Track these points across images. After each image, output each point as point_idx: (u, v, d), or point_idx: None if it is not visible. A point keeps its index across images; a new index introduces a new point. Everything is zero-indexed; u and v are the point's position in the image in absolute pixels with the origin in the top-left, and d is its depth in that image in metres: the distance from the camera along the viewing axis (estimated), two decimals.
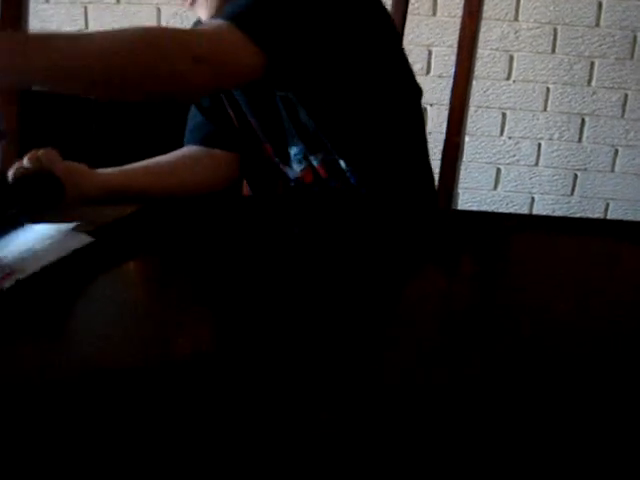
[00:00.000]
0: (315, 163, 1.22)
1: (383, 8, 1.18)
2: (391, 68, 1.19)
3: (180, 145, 1.35)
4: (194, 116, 1.36)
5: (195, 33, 1.06)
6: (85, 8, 2.60)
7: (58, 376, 0.70)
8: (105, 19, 2.60)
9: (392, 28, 1.21)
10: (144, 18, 2.59)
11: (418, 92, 1.27)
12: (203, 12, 1.14)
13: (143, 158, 1.28)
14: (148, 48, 0.89)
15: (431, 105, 2.54)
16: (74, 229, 0.96)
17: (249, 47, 0.96)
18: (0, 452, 0.58)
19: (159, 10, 2.59)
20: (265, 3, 1.02)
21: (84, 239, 0.95)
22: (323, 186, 1.24)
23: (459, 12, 1.64)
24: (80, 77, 0.87)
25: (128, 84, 0.89)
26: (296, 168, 1.25)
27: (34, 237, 0.93)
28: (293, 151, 1.23)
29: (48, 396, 0.67)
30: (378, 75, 1.15)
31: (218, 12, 1.10)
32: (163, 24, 2.59)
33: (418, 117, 1.30)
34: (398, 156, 1.23)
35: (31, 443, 0.59)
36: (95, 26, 2.61)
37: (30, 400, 0.66)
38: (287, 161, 1.25)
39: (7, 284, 0.83)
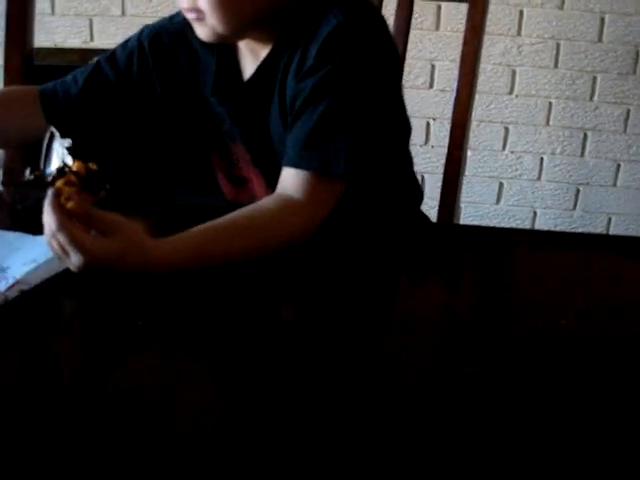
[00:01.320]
0: None
1: (395, 49, 1.19)
2: (392, 113, 1.20)
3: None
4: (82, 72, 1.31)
5: (304, 215, 1.07)
6: (90, 20, 2.61)
7: (56, 388, 0.71)
8: (110, 31, 2.61)
9: (400, 70, 1.22)
10: None
11: (408, 131, 1.28)
12: (206, 33, 1.11)
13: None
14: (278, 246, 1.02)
15: (433, 119, 2.55)
16: None
17: (333, 191, 1.08)
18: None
19: None
20: (344, 137, 1.07)
21: None
22: None
23: (462, 27, 1.65)
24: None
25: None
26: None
27: (38, 248, 0.93)
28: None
29: (46, 406, 0.67)
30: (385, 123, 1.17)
31: (220, 38, 1.11)
32: None
33: (406, 155, 1.33)
34: (383, 186, 1.23)
35: (30, 446, 0.60)
36: (100, 38, 2.62)
37: (28, 409, 0.66)
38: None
39: (12, 295, 0.83)
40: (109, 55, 1.32)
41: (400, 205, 1.28)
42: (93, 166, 0.91)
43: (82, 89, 1.28)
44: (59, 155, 0.91)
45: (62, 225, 0.84)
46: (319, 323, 0.89)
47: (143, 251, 0.91)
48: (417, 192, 1.37)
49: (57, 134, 0.94)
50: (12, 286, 0.85)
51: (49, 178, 0.89)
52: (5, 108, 1.28)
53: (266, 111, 1.17)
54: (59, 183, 0.88)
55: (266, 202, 1.09)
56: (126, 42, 1.33)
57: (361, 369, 0.77)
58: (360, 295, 0.95)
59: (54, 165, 0.91)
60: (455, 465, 0.62)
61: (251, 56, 1.19)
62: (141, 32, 1.31)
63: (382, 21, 1.15)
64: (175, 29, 1.25)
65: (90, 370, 0.75)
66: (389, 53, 1.15)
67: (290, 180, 1.08)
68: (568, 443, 0.66)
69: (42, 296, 0.88)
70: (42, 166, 0.94)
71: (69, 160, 0.90)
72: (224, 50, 1.20)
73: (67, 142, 0.92)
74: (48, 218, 0.86)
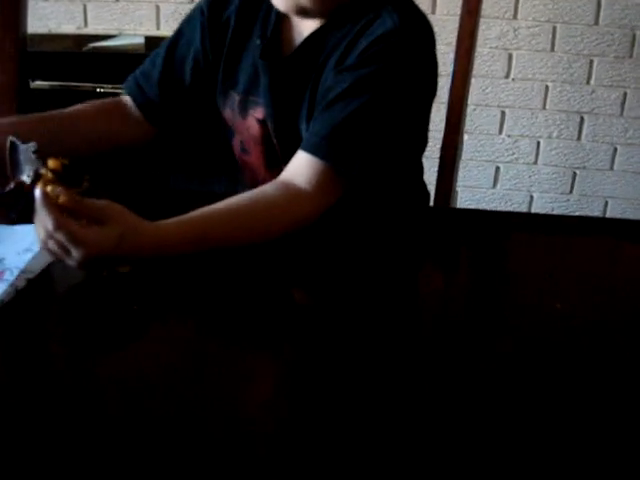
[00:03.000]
0: None
1: (436, 65, 1.19)
2: (417, 127, 1.22)
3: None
4: (152, 65, 1.32)
5: (312, 205, 1.08)
6: (84, 6, 2.60)
7: (56, 374, 0.71)
8: (104, 17, 2.60)
9: (435, 86, 1.22)
10: (143, 16, 2.59)
11: (424, 144, 1.29)
12: (288, 3, 1.11)
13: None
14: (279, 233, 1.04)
15: None
16: None
17: (340, 188, 1.09)
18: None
19: (158, 8, 2.59)
20: (365, 142, 1.09)
21: None
22: None
23: (458, 10, 1.64)
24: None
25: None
26: None
27: (27, 238, 0.93)
28: None
29: (52, 396, 0.67)
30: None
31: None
32: (162, 22, 2.59)
33: (418, 165, 1.34)
34: (393, 183, 1.24)
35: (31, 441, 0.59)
36: (94, 24, 2.61)
37: (33, 399, 0.66)
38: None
39: (21, 285, 0.84)
40: (175, 32, 1.32)
41: (405, 205, 1.28)
42: (65, 161, 0.91)
43: (162, 73, 1.29)
44: (28, 160, 0.92)
45: (60, 224, 0.84)
46: (329, 307, 0.89)
47: (139, 234, 0.92)
48: (424, 196, 1.38)
49: (18, 142, 0.94)
50: (17, 276, 0.85)
51: (28, 182, 0.90)
52: (105, 116, 1.29)
53: (302, 86, 1.17)
54: (41, 185, 0.88)
55: (270, 188, 1.09)
56: (188, 16, 1.32)
57: (366, 353, 0.77)
58: (367, 280, 0.95)
59: (27, 170, 0.91)
60: (455, 460, 0.62)
61: (295, 31, 1.19)
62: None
63: (432, 33, 1.16)
64: None
65: (89, 356, 0.75)
66: (431, 69, 1.16)
67: (303, 166, 1.08)
68: (565, 426, 0.66)
69: (47, 283, 0.88)
70: (14, 175, 0.94)
71: (39, 163, 0.90)
72: (276, 17, 1.20)
73: (32, 146, 0.92)
74: (44, 219, 0.85)
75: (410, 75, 1.11)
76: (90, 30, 2.62)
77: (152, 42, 2.60)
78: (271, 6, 1.16)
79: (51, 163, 0.90)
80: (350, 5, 1.13)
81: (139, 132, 1.31)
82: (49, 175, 0.89)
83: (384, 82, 1.09)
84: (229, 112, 1.27)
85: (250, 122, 1.24)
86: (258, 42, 1.20)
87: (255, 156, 1.27)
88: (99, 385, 0.69)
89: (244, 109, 1.24)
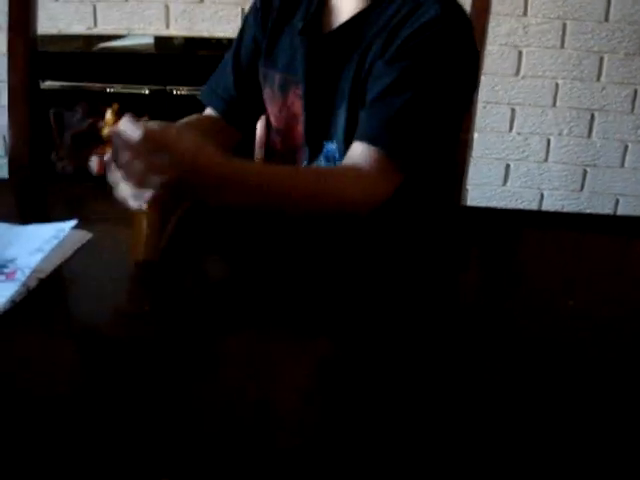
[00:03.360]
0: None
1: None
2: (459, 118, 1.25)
3: None
4: (223, 71, 1.34)
5: (365, 185, 1.09)
6: (94, 6, 2.61)
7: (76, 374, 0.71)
8: (114, 17, 2.61)
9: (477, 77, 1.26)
10: (152, 15, 2.60)
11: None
12: None
13: None
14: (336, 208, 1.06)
15: None
16: (75, 227, 0.97)
17: (399, 177, 1.11)
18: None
19: (167, 7, 2.60)
20: (419, 132, 1.11)
21: (85, 235, 0.97)
22: None
23: (467, 8, 1.64)
24: (268, 208, 1.01)
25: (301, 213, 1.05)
26: (325, 164, 1.25)
27: (37, 238, 0.93)
28: (329, 147, 1.23)
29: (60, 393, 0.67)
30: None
31: None
32: (172, 21, 2.59)
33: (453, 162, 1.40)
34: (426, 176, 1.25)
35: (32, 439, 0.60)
36: (104, 24, 2.61)
37: (43, 399, 0.66)
38: (315, 155, 1.25)
39: (32, 284, 0.84)
40: (238, 34, 1.36)
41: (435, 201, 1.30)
42: (116, 105, 0.92)
43: (235, 74, 1.32)
44: (76, 122, 0.92)
45: (144, 137, 0.84)
46: (322, 303, 0.89)
47: (210, 157, 0.93)
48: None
49: (59, 111, 0.94)
50: (29, 276, 0.85)
51: (104, 130, 0.90)
52: (211, 131, 1.29)
53: (340, 65, 1.18)
54: (106, 128, 0.89)
55: (336, 167, 1.11)
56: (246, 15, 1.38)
57: (377, 349, 0.77)
58: (372, 276, 0.95)
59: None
60: (459, 459, 0.62)
61: (335, 14, 1.21)
62: None
63: (471, 23, 1.18)
64: None
65: (101, 355, 0.75)
66: (473, 58, 1.18)
67: (363, 155, 1.09)
68: (576, 422, 0.66)
69: (59, 282, 0.88)
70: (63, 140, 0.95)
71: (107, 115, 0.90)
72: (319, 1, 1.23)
73: (78, 111, 0.93)
74: (122, 155, 0.86)
75: (455, 63, 1.13)
76: (100, 30, 2.63)
77: (161, 42, 2.62)
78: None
79: (110, 112, 0.91)
80: None
81: (231, 140, 1.33)
82: (110, 119, 0.90)
83: (432, 71, 1.10)
84: (269, 91, 1.29)
85: (292, 99, 1.26)
86: (300, 24, 1.23)
87: (298, 133, 1.27)
88: (109, 385, 0.69)
89: (285, 88, 1.26)
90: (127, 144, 0.85)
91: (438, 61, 1.10)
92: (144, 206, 0.90)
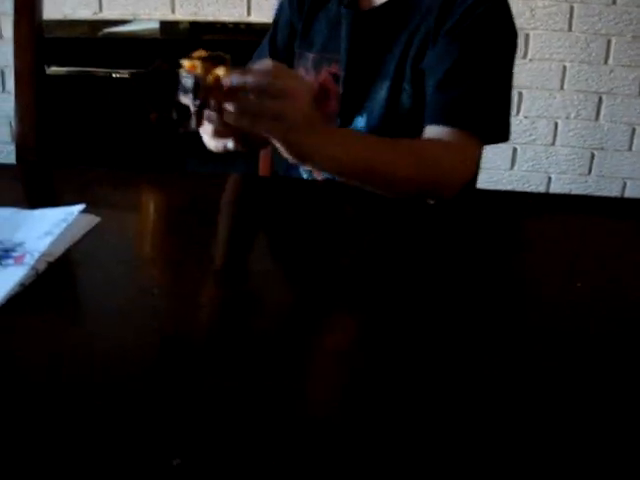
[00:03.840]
0: None
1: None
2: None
3: None
4: (260, 56, 1.35)
5: (458, 161, 1.12)
6: None
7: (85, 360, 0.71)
8: (119, 2, 2.60)
9: None
10: (158, 1, 2.59)
11: None
12: None
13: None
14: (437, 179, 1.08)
15: None
16: (83, 211, 0.97)
17: (478, 151, 1.17)
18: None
19: None
20: (496, 105, 1.16)
21: (93, 219, 0.97)
22: None
23: None
24: (367, 177, 1.02)
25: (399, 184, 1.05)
26: None
27: (45, 222, 0.94)
28: (358, 122, 1.23)
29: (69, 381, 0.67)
30: None
31: None
32: (177, 6, 2.58)
33: None
34: None
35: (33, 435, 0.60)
36: (109, 9, 2.61)
37: (51, 383, 0.67)
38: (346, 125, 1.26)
39: (41, 268, 0.84)
40: (273, 20, 1.39)
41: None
42: (203, 52, 0.91)
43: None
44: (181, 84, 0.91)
45: (275, 72, 0.88)
46: (319, 295, 0.89)
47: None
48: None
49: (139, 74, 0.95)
50: (38, 259, 0.85)
51: (191, 92, 0.89)
52: None
53: (386, 41, 1.20)
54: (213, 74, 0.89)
55: (426, 139, 1.11)
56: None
57: (381, 338, 0.77)
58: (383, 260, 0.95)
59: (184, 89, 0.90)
60: (459, 460, 0.62)
61: None
62: None
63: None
64: None
65: (110, 340, 0.76)
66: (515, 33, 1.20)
67: (444, 134, 1.10)
68: (585, 410, 0.66)
69: (67, 266, 0.89)
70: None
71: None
72: None
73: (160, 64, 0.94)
74: (254, 84, 0.88)
75: (507, 37, 1.17)
76: (105, 15, 2.62)
77: (167, 27, 2.61)
78: None
79: (199, 58, 0.91)
80: None
81: None
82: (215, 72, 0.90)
83: (490, 47, 1.13)
84: (301, 70, 1.30)
85: (324, 75, 1.27)
86: (335, 6, 1.26)
87: (329, 107, 1.28)
88: (118, 369, 0.69)
89: (318, 66, 1.28)
90: (260, 71, 0.89)
91: (494, 36, 1.14)
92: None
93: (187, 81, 0.89)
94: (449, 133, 1.10)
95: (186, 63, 0.90)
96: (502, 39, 1.16)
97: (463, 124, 1.10)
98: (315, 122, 0.94)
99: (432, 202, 1.10)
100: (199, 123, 0.91)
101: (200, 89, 0.88)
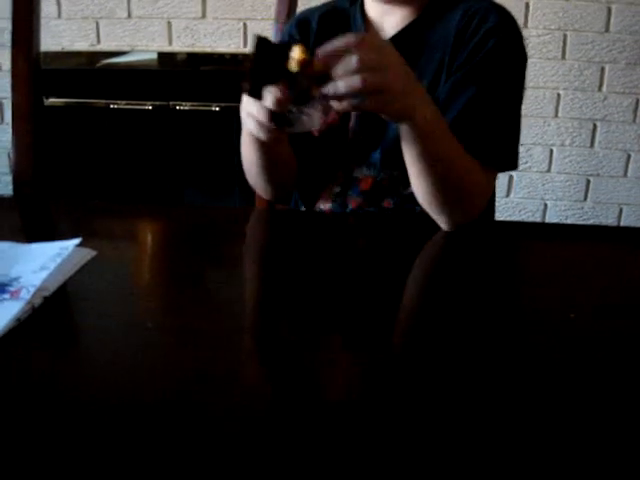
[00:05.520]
0: (382, 175, 1.25)
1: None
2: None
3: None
4: None
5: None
6: (97, 23, 2.63)
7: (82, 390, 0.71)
8: (117, 33, 2.62)
9: None
10: (155, 32, 2.61)
11: None
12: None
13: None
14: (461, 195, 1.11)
15: None
16: (79, 245, 0.97)
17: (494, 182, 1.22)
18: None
19: (170, 24, 2.61)
20: (508, 136, 1.18)
21: (89, 253, 0.98)
22: (377, 195, 1.26)
23: None
24: (440, 177, 1.07)
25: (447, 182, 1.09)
26: (365, 172, 1.26)
27: (41, 256, 0.94)
28: (374, 157, 1.24)
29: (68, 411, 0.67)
30: None
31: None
32: (174, 37, 2.61)
33: None
34: None
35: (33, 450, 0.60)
36: (107, 40, 2.63)
37: (47, 417, 0.66)
38: (362, 161, 1.26)
39: (37, 302, 0.84)
40: None
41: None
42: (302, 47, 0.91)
43: None
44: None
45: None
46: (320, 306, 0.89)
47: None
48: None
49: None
50: (34, 294, 0.86)
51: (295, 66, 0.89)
52: None
53: None
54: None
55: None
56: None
57: (370, 358, 0.77)
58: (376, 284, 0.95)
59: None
60: (459, 462, 0.62)
61: (379, 29, 1.26)
62: (290, 25, 1.38)
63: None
64: (321, 12, 1.33)
65: (106, 374, 0.76)
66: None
67: None
68: (575, 433, 0.66)
69: (63, 300, 0.89)
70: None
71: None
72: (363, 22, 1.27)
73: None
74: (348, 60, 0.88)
75: (519, 69, 1.20)
76: (103, 47, 2.64)
77: (165, 58, 2.63)
78: (352, 17, 1.26)
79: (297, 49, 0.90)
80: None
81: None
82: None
83: (504, 79, 1.16)
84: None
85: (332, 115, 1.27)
86: None
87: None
88: (114, 402, 0.69)
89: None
90: (355, 41, 0.89)
91: (506, 69, 1.17)
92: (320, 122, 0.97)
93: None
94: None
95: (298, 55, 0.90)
96: (514, 70, 1.18)
97: (482, 158, 1.12)
98: (411, 82, 0.97)
99: (447, 228, 1.11)
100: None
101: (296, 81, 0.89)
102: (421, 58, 1.20)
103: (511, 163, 1.18)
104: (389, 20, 1.24)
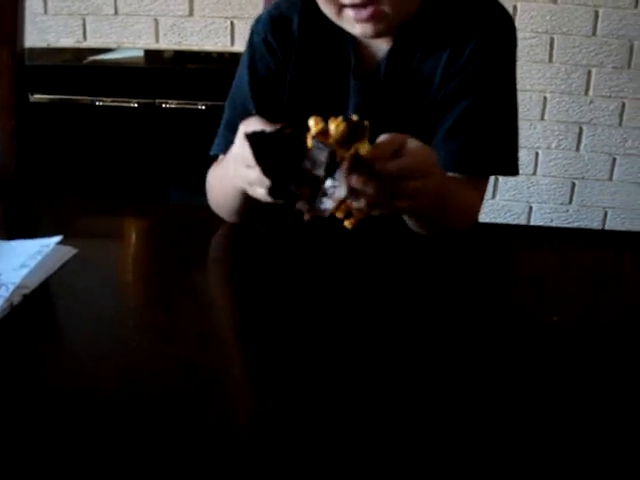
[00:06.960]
0: None
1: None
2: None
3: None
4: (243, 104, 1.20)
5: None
6: (83, 19, 2.61)
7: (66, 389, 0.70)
8: (103, 30, 2.61)
9: None
10: (142, 29, 2.60)
11: None
12: (371, 29, 1.08)
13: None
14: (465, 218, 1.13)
15: None
16: (60, 242, 0.96)
17: (484, 191, 1.19)
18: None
19: (157, 21, 2.60)
20: (505, 144, 1.17)
21: (69, 251, 0.97)
22: None
23: None
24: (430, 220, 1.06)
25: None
26: None
27: (22, 254, 0.93)
28: None
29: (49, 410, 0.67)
30: None
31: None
32: (161, 35, 2.59)
33: None
34: None
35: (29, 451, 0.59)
36: (93, 37, 2.61)
37: (30, 416, 0.66)
38: None
39: (16, 300, 0.84)
40: (247, 72, 1.21)
41: None
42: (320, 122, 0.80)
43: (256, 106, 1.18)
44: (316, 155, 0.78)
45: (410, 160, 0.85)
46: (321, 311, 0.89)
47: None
48: None
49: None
50: (13, 292, 0.85)
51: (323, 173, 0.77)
52: None
53: (396, 107, 1.17)
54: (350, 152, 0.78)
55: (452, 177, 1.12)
56: (247, 49, 1.23)
57: (362, 359, 0.77)
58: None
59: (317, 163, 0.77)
60: (457, 461, 0.62)
61: (371, 51, 1.17)
62: (262, 25, 1.21)
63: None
64: (301, 10, 1.18)
65: (87, 371, 0.75)
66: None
67: (461, 181, 1.11)
68: (560, 438, 0.66)
69: (43, 298, 0.88)
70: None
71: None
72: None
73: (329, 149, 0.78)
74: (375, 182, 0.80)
75: (513, 79, 1.18)
76: (89, 43, 2.63)
77: (151, 55, 2.62)
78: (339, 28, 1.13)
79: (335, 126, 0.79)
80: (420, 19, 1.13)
81: None
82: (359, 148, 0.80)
83: (500, 93, 1.15)
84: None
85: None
86: (350, 65, 1.17)
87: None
88: (96, 401, 0.69)
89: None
90: (393, 146, 0.85)
91: (504, 82, 1.16)
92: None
93: (320, 153, 0.77)
94: (461, 179, 1.11)
95: (314, 127, 0.79)
96: (508, 78, 1.17)
97: (475, 171, 1.12)
98: (441, 188, 0.95)
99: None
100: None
101: (334, 165, 0.76)
102: (414, 94, 1.16)
103: (512, 168, 1.16)
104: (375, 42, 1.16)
